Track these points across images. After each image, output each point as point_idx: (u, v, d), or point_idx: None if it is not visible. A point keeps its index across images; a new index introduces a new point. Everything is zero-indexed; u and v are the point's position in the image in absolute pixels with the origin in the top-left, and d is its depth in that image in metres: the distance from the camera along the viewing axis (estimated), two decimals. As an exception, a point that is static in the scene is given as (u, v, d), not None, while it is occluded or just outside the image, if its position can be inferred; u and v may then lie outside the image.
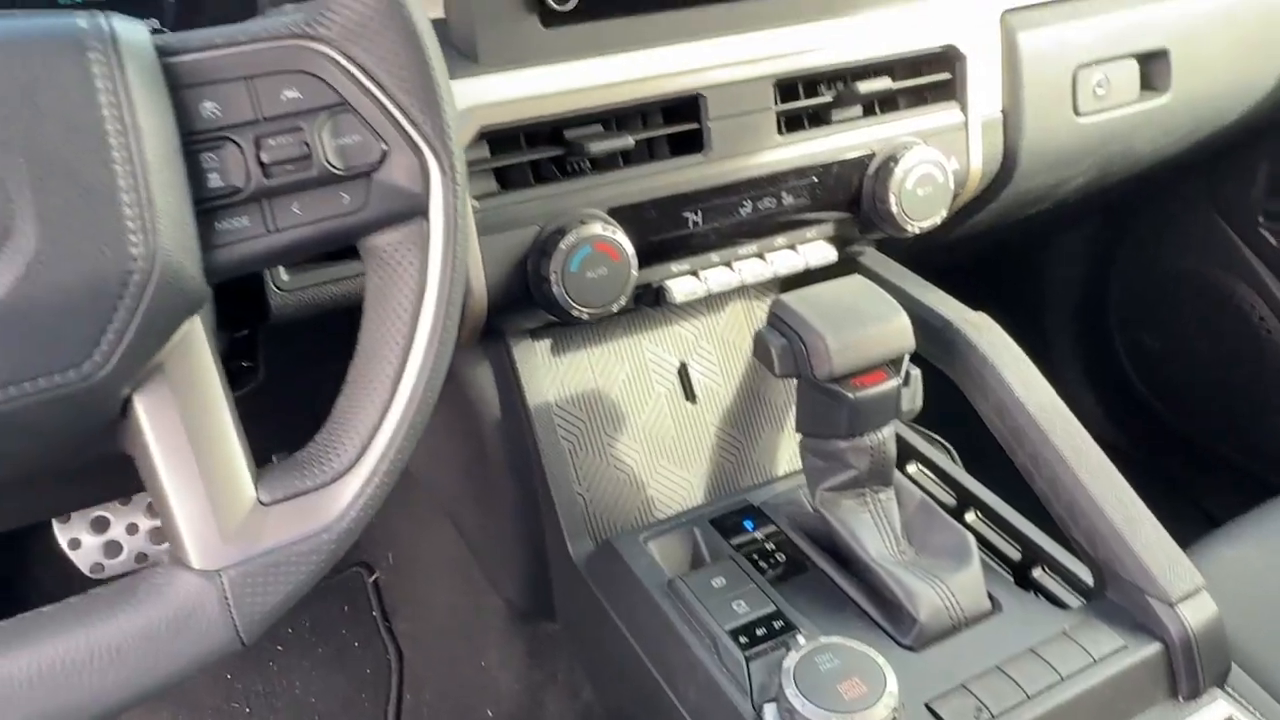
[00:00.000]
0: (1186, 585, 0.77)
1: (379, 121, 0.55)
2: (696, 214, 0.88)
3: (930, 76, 0.98)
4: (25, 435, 0.50)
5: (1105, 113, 1.12)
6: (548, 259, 0.80)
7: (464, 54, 0.80)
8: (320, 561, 0.57)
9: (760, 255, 0.94)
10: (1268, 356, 1.55)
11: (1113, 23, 1.11)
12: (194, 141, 0.52)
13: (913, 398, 0.81)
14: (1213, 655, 0.77)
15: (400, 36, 0.54)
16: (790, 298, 0.79)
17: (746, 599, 0.79)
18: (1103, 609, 0.79)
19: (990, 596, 0.80)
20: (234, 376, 0.71)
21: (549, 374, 0.96)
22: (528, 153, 0.82)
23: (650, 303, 0.90)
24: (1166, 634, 0.76)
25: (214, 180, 0.53)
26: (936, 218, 0.95)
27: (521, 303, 0.84)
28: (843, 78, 0.94)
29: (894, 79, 0.96)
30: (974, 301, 0.97)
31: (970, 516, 0.93)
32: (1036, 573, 0.87)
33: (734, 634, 0.76)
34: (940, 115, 0.99)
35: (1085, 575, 0.83)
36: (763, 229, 0.93)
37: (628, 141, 0.84)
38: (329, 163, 0.55)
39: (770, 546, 0.86)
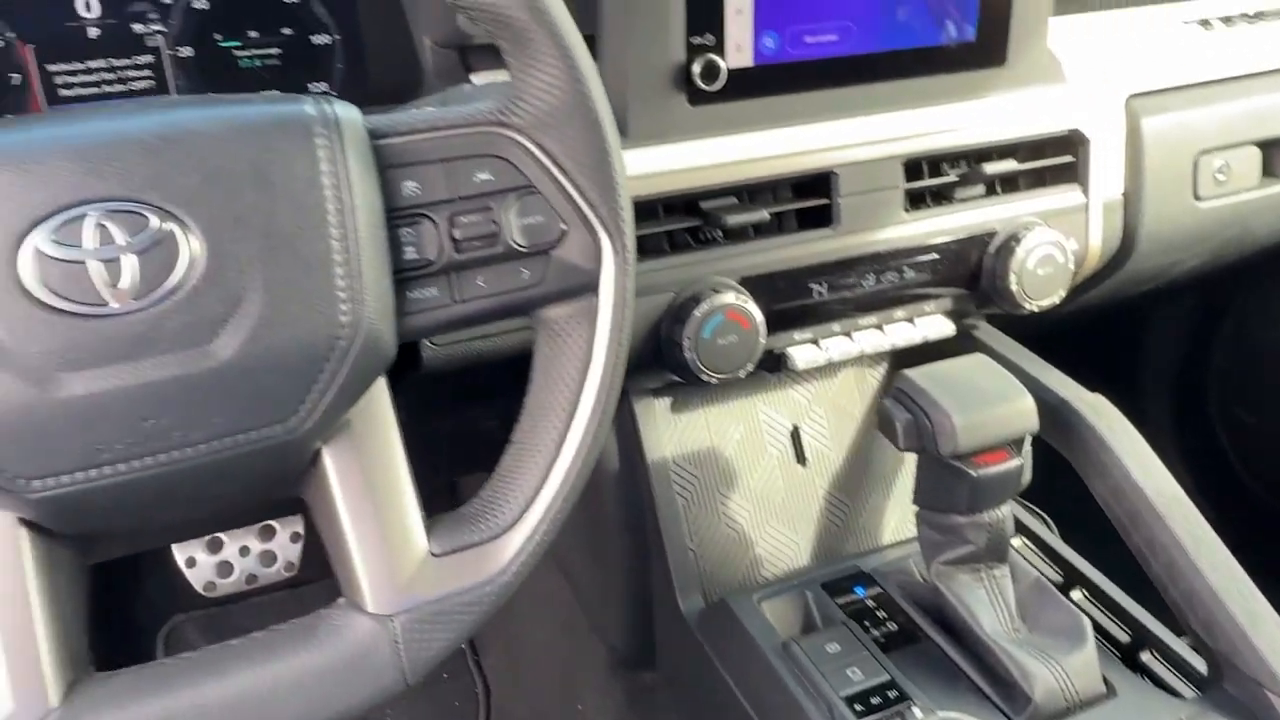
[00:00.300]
0: None
1: (560, 203, 0.59)
2: (822, 285, 0.91)
3: (1054, 159, 0.99)
4: (230, 481, 0.55)
5: (1225, 198, 1.13)
6: (681, 325, 0.83)
7: None
8: (483, 612, 0.60)
9: (879, 326, 0.96)
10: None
11: (1235, 109, 1.11)
12: (395, 217, 0.56)
13: (1026, 473, 0.83)
14: (1333, 754, 0.76)
15: (585, 125, 0.58)
16: (916, 374, 0.81)
17: (861, 666, 0.80)
18: (1220, 700, 0.79)
19: (1104, 679, 0.80)
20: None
21: (668, 431, 0.99)
22: (665, 222, 0.86)
23: (772, 368, 0.93)
24: None
25: (410, 253, 0.57)
26: (1055, 297, 0.97)
27: (651, 364, 0.87)
28: (968, 158, 0.96)
29: (1018, 160, 0.98)
30: (1072, 375, 0.98)
31: (1077, 594, 0.94)
32: (1145, 657, 0.87)
33: (849, 701, 0.77)
34: (1062, 196, 1.00)
35: (1198, 663, 0.83)
36: (883, 301, 0.95)
37: (764, 215, 0.87)
38: (514, 240, 0.58)
39: (882, 614, 0.87)
